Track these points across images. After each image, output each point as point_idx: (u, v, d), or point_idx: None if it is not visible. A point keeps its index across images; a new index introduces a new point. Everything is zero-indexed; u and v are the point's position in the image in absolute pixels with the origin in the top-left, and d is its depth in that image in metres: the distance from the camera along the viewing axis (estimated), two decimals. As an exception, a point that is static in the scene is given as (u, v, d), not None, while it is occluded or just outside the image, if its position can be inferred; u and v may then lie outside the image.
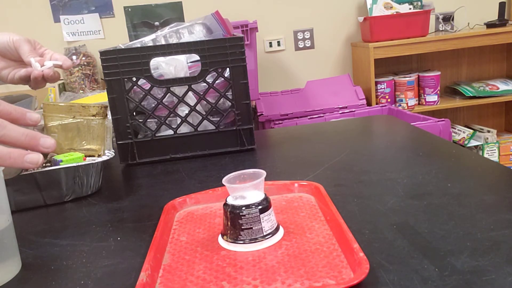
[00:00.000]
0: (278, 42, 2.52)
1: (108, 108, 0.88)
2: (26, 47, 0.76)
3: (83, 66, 2.24)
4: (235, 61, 0.90)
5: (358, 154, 0.85)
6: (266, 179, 0.55)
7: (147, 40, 0.99)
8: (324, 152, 0.89)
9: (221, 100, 0.93)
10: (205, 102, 0.93)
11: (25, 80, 0.79)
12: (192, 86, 0.91)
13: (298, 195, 0.66)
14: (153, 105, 0.92)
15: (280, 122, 2.17)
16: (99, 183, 0.79)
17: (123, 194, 0.77)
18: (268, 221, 0.53)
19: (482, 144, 2.50)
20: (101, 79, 2.29)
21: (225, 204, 0.54)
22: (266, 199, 0.54)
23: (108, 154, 0.82)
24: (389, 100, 2.41)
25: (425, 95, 2.43)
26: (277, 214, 0.60)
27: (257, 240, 0.52)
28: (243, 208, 0.52)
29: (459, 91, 2.51)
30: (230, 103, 0.94)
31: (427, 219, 0.55)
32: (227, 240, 0.53)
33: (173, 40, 1.00)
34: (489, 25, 2.38)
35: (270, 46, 2.52)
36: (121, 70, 0.88)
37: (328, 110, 2.22)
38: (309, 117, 2.14)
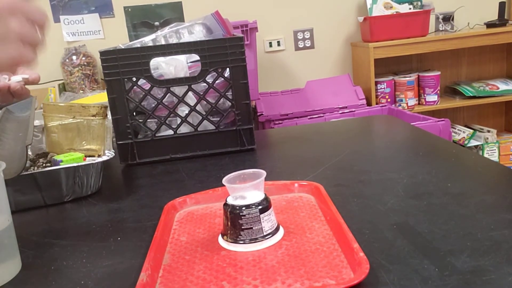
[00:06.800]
0: (278, 42, 2.52)
1: (108, 108, 0.88)
2: None
3: (83, 66, 2.24)
4: (235, 61, 0.90)
5: (358, 154, 0.85)
6: (266, 179, 0.55)
7: (147, 40, 0.99)
8: (324, 152, 0.89)
9: (221, 100, 0.93)
10: (205, 102, 0.93)
11: None
12: (192, 86, 0.91)
13: (298, 195, 0.66)
14: (153, 105, 0.92)
15: (280, 122, 2.16)
16: (99, 183, 0.79)
17: (123, 194, 0.77)
18: (268, 221, 0.53)
19: (482, 144, 2.50)
20: (101, 79, 2.29)
21: (225, 204, 0.54)
22: (266, 199, 0.54)
23: (108, 154, 0.82)
24: (389, 100, 2.41)
25: (425, 95, 2.42)
26: (277, 214, 0.60)
27: (257, 240, 0.52)
28: (243, 208, 0.52)
29: (459, 91, 2.51)
30: (230, 103, 0.94)
31: (427, 219, 0.55)
32: (227, 240, 0.53)
33: (173, 40, 1.00)
34: (489, 25, 2.38)
35: (270, 46, 2.51)
36: (121, 70, 0.88)
37: (328, 110, 2.22)
38: (309, 117, 2.14)
